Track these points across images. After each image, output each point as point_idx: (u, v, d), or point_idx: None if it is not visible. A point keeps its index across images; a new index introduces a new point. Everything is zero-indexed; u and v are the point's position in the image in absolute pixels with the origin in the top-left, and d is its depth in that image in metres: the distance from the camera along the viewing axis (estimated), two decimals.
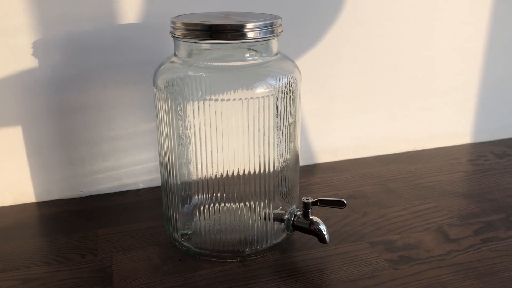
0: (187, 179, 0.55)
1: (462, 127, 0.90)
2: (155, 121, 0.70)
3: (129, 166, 0.72)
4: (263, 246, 0.56)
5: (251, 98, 0.50)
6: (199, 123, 0.51)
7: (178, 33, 0.51)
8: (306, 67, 0.74)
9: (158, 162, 0.72)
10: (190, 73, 0.51)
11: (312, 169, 0.80)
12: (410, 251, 0.57)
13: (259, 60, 0.52)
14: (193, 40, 0.51)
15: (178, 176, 0.55)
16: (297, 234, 0.60)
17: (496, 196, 0.70)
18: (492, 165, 0.81)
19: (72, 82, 0.66)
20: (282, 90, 0.52)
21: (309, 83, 0.75)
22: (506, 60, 0.88)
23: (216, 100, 0.50)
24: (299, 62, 0.74)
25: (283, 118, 0.54)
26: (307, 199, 0.55)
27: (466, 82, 0.87)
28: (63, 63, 0.65)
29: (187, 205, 0.57)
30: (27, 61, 0.64)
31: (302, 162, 0.80)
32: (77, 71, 0.66)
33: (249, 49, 0.52)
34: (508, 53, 0.87)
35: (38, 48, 0.64)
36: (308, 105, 0.78)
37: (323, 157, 0.83)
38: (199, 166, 0.53)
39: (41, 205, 0.69)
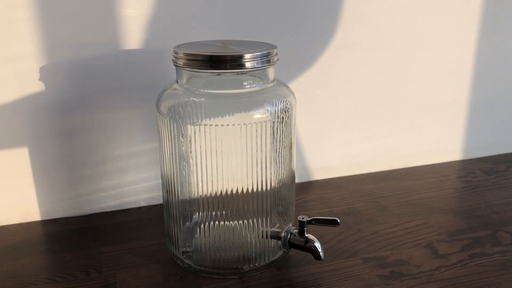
0: (188, 197, 0.58)
1: (451, 144, 0.93)
2: (155, 141, 0.73)
3: (131, 184, 0.75)
4: (261, 263, 0.59)
5: (249, 123, 0.53)
6: (200, 146, 0.54)
7: (180, 62, 0.54)
8: (300, 89, 0.77)
9: (158, 181, 0.75)
10: (191, 99, 0.54)
11: (307, 186, 0.83)
12: (401, 267, 0.60)
13: (257, 88, 0.55)
14: (194, 69, 0.54)
15: (179, 195, 0.58)
16: (293, 251, 0.62)
17: (483, 212, 0.73)
18: (480, 182, 0.84)
19: (77, 105, 0.69)
20: (278, 115, 0.55)
21: (303, 104, 0.79)
22: (494, 78, 0.91)
23: (216, 125, 0.53)
24: (293, 84, 0.77)
25: (279, 141, 0.57)
26: (303, 218, 0.58)
27: (454, 100, 0.90)
28: (68, 87, 0.68)
29: (188, 223, 0.59)
30: (34, 85, 0.67)
31: (297, 179, 0.83)
32: (82, 95, 0.69)
33: (248, 76, 0.55)
34: (496, 71, 0.91)
35: (44, 73, 0.67)
36: (303, 124, 0.81)
37: (318, 174, 0.85)
38: (200, 185, 0.56)
39: (46, 223, 0.71)
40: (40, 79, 0.67)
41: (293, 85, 0.73)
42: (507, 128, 0.96)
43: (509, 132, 0.97)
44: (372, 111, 0.85)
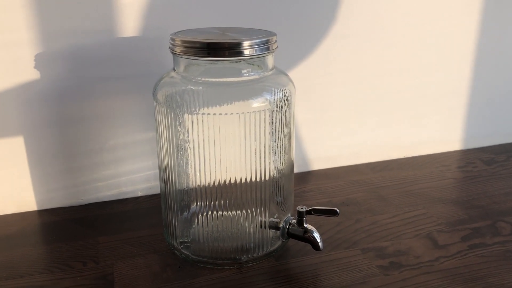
0: (185, 187, 0.57)
1: (452, 134, 0.92)
2: (152, 131, 0.72)
3: (128, 174, 0.74)
4: (259, 253, 0.58)
5: (248, 112, 0.52)
6: (197, 135, 0.53)
7: (177, 49, 0.53)
8: (299, 77, 0.76)
9: (156, 170, 0.74)
10: (189, 88, 0.53)
11: (306, 176, 0.82)
12: (400, 258, 0.60)
13: (255, 76, 0.54)
14: (191, 57, 0.53)
15: (177, 184, 0.57)
16: (291, 241, 0.62)
17: (483, 203, 0.73)
18: (480, 172, 0.84)
19: (73, 94, 0.68)
20: (277, 104, 0.54)
21: (303, 93, 0.78)
22: (495, 68, 0.90)
23: (214, 114, 0.52)
24: (292, 73, 0.76)
25: (278, 130, 0.56)
26: (302, 208, 0.57)
27: (455, 90, 0.89)
28: (64, 76, 0.67)
29: (185, 213, 0.59)
30: (29, 73, 0.66)
31: (296, 169, 0.83)
32: (78, 83, 0.68)
33: (246, 64, 0.54)
34: (497, 61, 0.90)
35: (40, 61, 0.66)
36: (302, 114, 0.80)
37: (317, 164, 0.85)
38: (197, 175, 0.56)
39: (42, 213, 0.71)
40: (35, 67, 0.66)
41: (291, 74, 0.72)
42: (507, 118, 0.95)
43: (509, 122, 0.96)
44: (371, 101, 0.84)
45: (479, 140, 0.94)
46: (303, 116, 0.81)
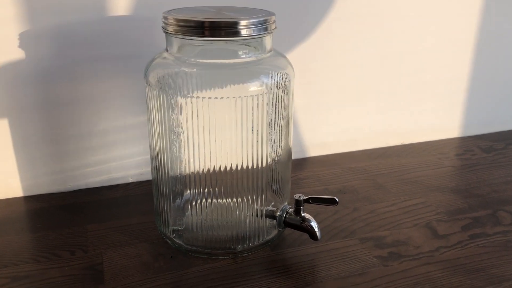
0: (178, 174, 0.55)
1: (450, 121, 0.91)
2: (144, 115, 0.69)
3: (118, 159, 0.72)
4: (255, 243, 0.56)
5: (244, 96, 0.50)
6: (191, 120, 0.51)
7: (170, 29, 0.50)
8: (296, 61, 0.74)
9: (147, 156, 0.72)
10: (182, 69, 0.51)
11: (302, 163, 0.80)
12: (399, 248, 0.58)
13: (252, 58, 0.52)
14: (185, 37, 0.50)
15: (169, 171, 0.55)
16: (287, 231, 0.60)
17: (483, 191, 0.72)
18: (479, 160, 0.82)
19: (60, 75, 0.65)
20: (275, 88, 0.52)
21: (299, 78, 0.75)
22: (494, 55, 0.88)
23: (209, 98, 0.49)
24: (289, 56, 0.73)
25: (276, 116, 0.53)
26: (299, 197, 0.55)
27: (454, 76, 0.87)
28: (50, 55, 0.64)
29: (178, 201, 0.56)
30: (13, 53, 0.62)
31: (292, 156, 0.80)
32: (65, 64, 0.65)
33: (243, 45, 0.51)
34: (497, 48, 0.88)
35: (25, 40, 0.62)
36: (298, 99, 0.78)
37: (313, 150, 0.83)
38: (191, 161, 0.53)
39: (28, 200, 0.68)
40: (20, 46, 0.62)
41: (289, 57, 0.70)
42: (506, 105, 0.94)
43: (507, 109, 0.94)
44: (370, 86, 0.82)
45: (477, 127, 0.93)
46: (299, 101, 0.78)
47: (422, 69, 0.84)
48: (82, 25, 0.64)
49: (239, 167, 0.53)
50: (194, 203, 0.55)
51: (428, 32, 0.82)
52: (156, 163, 0.56)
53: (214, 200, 0.55)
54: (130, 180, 0.73)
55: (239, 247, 0.56)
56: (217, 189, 0.54)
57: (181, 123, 0.51)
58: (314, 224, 0.55)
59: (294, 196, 0.56)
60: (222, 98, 0.50)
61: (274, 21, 0.53)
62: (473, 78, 0.89)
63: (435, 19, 0.81)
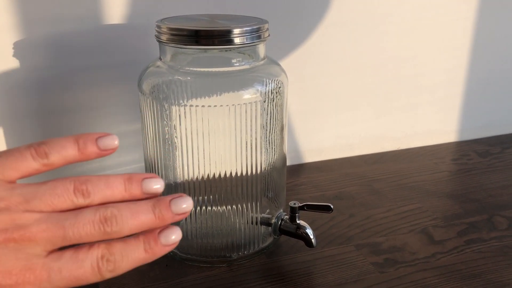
0: (173, 182, 0.54)
1: (446, 125, 0.91)
2: (138, 123, 0.69)
3: (113, 168, 0.72)
4: (250, 251, 0.56)
5: (238, 104, 0.50)
6: (185, 128, 0.51)
7: (164, 37, 0.50)
8: (291, 67, 0.74)
9: (142, 164, 0.71)
10: (176, 78, 0.51)
11: (298, 169, 0.80)
12: (395, 254, 0.58)
13: (246, 66, 0.52)
14: (179, 45, 0.50)
15: (164, 179, 0.55)
16: (283, 238, 0.60)
17: (479, 196, 0.71)
18: (475, 164, 0.82)
19: (55, 84, 0.65)
20: (269, 96, 0.52)
21: (294, 83, 0.75)
22: (490, 59, 0.89)
23: (203, 106, 0.49)
24: (284, 62, 0.73)
25: (270, 123, 0.53)
26: (294, 204, 0.55)
27: (450, 80, 0.87)
28: (45, 64, 0.64)
29: None
30: (8, 61, 0.62)
31: (288, 162, 0.80)
32: (60, 72, 0.65)
33: (237, 53, 0.52)
34: (492, 52, 0.88)
35: (20, 49, 0.62)
36: (294, 105, 0.78)
37: (309, 156, 0.83)
38: (185, 169, 0.53)
39: None
40: (14, 55, 0.62)
41: (283, 64, 0.70)
42: (502, 109, 0.94)
43: (504, 113, 0.95)
44: (365, 91, 0.82)
45: (473, 131, 0.93)
46: (295, 107, 0.78)
47: (418, 73, 0.84)
48: (77, 34, 0.64)
49: (234, 174, 0.53)
50: None
51: (423, 36, 0.82)
52: (151, 170, 0.56)
53: (209, 208, 0.55)
54: None
55: (235, 255, 0.56)
56: (211, 197, 0.54)
57: (175, 131, 0.51)
58: (309, 231, 0.55)
59: (289, 203, 0.55)
60: (216, 106, 0.50)
61: (268, 29, 0.53)
62: (469, 82, 0.89)
63: (430, 24, 0.81)
